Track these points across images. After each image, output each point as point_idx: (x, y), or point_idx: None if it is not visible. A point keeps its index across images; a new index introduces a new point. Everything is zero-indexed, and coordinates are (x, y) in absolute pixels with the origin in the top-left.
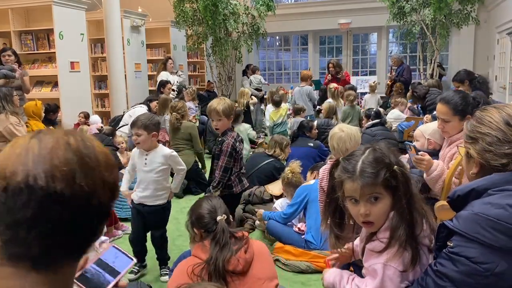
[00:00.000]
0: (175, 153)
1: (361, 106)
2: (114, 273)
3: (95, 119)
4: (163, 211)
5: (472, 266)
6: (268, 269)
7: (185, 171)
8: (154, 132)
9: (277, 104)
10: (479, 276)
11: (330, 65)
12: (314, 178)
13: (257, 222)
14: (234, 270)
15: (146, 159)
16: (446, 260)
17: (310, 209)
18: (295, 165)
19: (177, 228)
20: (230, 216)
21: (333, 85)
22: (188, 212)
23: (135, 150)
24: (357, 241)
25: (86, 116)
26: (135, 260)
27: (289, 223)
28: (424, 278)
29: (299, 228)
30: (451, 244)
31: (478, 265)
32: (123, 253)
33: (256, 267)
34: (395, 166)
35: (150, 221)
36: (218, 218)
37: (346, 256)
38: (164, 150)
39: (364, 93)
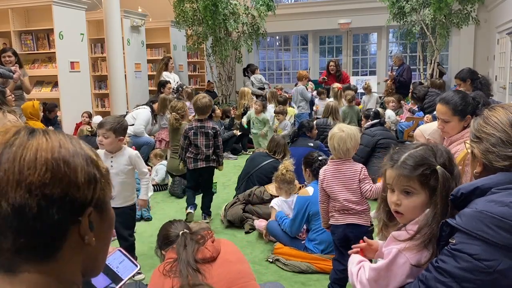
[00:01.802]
0: (139, 154)
1: (361, 107)
2: (116, 279)
3: (99, 120)
4: (132, 211)
5: (474, 263)
6: (239, 254)
7: (149, 174)
8: (121, 137)
9: (281, 104)
10: (481, 273)
11: (332, 63)
12: (309, 176)
13: (256, 222)
14: (204, 257)
15: (112, 161)
16: (447, 256)
17: (312, 223)
18: (288, 163)
19: None
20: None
21: (336, 85)
22: (156, 240)
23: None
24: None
25: (90, 115)
26: (139, 266)
27: None
28: (424, 274)
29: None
30: (454, 241)
31: (481, 262)
32: (128, 258)
33: (225, 252)
34: (438, 167)
35: (119, 222)
36: (180, 232)
37: (370, 251)
38: (129, 151)
39: (364, 93)
